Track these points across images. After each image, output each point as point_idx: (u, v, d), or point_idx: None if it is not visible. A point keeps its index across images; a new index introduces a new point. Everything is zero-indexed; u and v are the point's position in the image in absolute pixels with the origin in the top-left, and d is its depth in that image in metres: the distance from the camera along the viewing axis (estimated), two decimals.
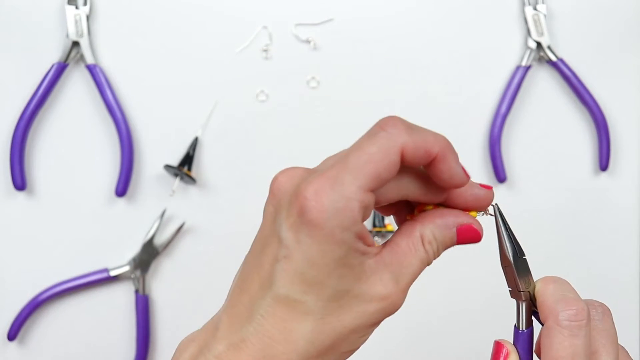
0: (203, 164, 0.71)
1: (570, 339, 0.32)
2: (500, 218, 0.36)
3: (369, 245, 0.32)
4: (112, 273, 0.69)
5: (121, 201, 0.70)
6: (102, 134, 0.71)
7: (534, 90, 0.74)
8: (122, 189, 0.69)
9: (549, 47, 0.72)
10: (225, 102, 0.71)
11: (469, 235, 0.35)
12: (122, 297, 0.71)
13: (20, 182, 0.68)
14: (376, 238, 0.71)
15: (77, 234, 0.70)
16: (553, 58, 0.72)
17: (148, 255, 0.70)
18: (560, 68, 0.72)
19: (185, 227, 0.71)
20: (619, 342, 0.35)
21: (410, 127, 0.32)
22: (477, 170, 0.74)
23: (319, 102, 0.72)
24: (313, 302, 0.30)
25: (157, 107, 0.71)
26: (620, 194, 0.75)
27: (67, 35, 0.69)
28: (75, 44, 0.69)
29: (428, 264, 0.33)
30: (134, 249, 0.71)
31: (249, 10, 0.72)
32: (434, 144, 0.32)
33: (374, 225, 0.71)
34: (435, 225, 0.34)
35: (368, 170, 0.30)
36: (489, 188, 0.36)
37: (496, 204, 0.36)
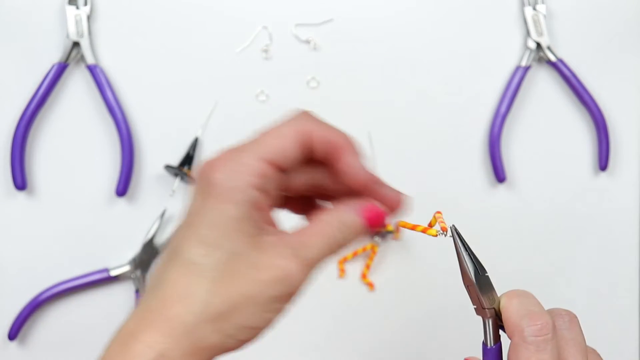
0: None
1: (536, 354, 0.32)
2: (459, 238, 0.36)
3: (269, 225, 0.34)
4: (113, 273, 0.70)
5: (121, 201, 0.71)
6: (102, 134, 0.71)
7: (533, 90, 0.74)
8: (123, 189, 0.69)
9: (548, 48, 0.72)
10: (225, 102, 0.71)
11: (374, 215, 0.36)
12: (122, 297, 0.71)
13: (20, 181, 0.68)
14: (376, 238, 0.71)
15: (77, 233, 0.71)
16: (553, 58, 0.72)
17: (148, 255, 0.70)
18: (559, 68, 0.73)
19: None
20: (587, 345, 0.35)
21: (317, 119, 0.36)
22: (477, 170, 0.74)
23: (319, 102, 0.72)
24: (208, 264, 0.32)
25: (158, 107, 0.71)
26: (620, 194, 0.75)
27: (68, 36, 0.69)
28: (76, 44, 0.69)
29: (335, 248, 0.34)
30: (134, 248, 0.71)
31: (249, 10, 0.72)
32: (336, 136, 0.35)
33: None
34: (338, 210, 0.35)
35: (269, 143, 0.34)
36: (399, 194, 0.37)
37: (453, 225, 0.36)
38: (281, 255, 0.33)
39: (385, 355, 0.73)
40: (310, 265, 0.33)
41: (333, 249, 0.34)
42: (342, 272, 0.72)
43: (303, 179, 0.37)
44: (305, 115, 0.35)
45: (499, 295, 0.35)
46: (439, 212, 0.37)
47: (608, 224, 0.75)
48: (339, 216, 0.35)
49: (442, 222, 0.37)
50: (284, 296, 0.33)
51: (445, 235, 0.36)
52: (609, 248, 0.75)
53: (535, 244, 0.75)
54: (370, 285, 0.73)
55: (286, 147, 0.34)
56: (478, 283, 0.35)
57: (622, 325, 0.75)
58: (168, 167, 0.70)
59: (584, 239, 0.75)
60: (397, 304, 0.73)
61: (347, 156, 0.35)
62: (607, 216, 0.75)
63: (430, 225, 0.37)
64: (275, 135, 0.34)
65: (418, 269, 0.73)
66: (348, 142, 0.35)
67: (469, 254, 0.35)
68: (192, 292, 0.31)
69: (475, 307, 0.35)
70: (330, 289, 0.72)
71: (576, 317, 0.36)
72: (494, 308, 0.35)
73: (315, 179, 0.37)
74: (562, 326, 0.34)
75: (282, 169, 0.34)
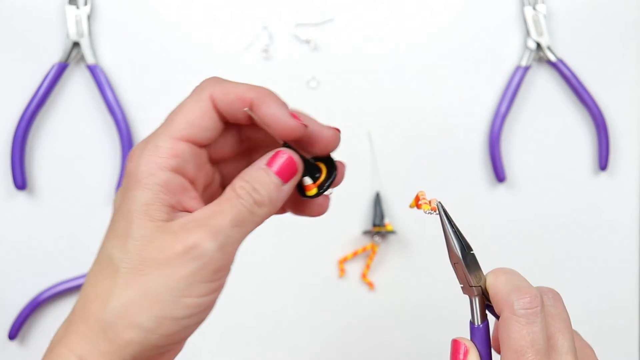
0: None
1: (527, 327, 0.32)
2: (445, 215, 0.35)
3: (185, 209, 0.32)
4: None
5: None
6: (102, 133, 0.71)
7: (533, 90, 0.74)
8: None
9: (548, 48, 0.72)
10: None
11: (282, 163, 0.33)
12: None
13: (21, 181, 0.68)
14: (376, 238, 0.71)
15: (77, 233, 0.71)
16: (552, 58, 0.72)
17: None
18: (559, 68, 0.73)
19: None
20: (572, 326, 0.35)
21: (222, 80, 0.34)
22: (477, 170, 0.74)
23: (319, 102, 0.72)
24: (118, 255, 0.30)
25: (157, 107, 0.71)
26: (620, 193, 0.75)
27: (68, 36, 0.69)
28: (76, 44, 0.69)
29: (251, 210, 0.32)
30: None
31: (249, 10, 0.72)
32: (246, 91, 0.33)
33: (374, 225, 0.71)
34: (244, 172, 0.33)
35: (178, 119, 0.32)
36: (336, 130, 0.35)
37: (439, 202, 0.36)
38: (186, 229, 0.30)
39: (385, 355, 0.73)
40: (221, 232, 0.30)
41: (246, 210, 0.31)
42: (342, 272, 0.72)
43: (231, 144, 0.35)
44: (209, 81, 0.34)
45: (484, 274, 0.35)
46: (421, 191, 0.37)
47: (608, 223, 0.75)
48: (244, 176, 0.32)
49: (424, 200, 0.36)
50: (198, 273, 0.30)
51: (431, 214, 0.36)
52: (608, 248, 0.75)
53: (535, 243, 0.75)
54: (370, 285, 0.73)
55: (196, 119, 0.32)
56: (465, 261, 0.35)
57: (622, 325, 0.75)
58: None
59: (584, 239, 0.75)
60: (397, 304, 0.73)
61: (264, 107, 0.33)
62: (607, 216, 0.75)
63: (415, 205, 0.36)
64: (182, 111, 0.33)
65: (418, 269, 0.73)
66: (261, 94, 0.33)
67: (455, 231, 0.35)
68: (106, 287, 0.30)
69: (462, 285, 0.35)
70: (330, 289, 0.73)
71: (559, 295, 0.36)
72: (480, 286, 0.35)
73: (249, 139, 0.35)
74: (548, 302, 0.35)
75: (200, 143, 0.33)
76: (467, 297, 0.36)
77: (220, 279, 0.31)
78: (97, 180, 0.71)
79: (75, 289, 0.70)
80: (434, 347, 0.73)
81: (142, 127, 0.71)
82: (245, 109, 0.33)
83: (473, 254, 0.35)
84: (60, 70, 0.69)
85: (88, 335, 0.30)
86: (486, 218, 0.74)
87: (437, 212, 0.36)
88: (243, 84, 0.34)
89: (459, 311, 0.73)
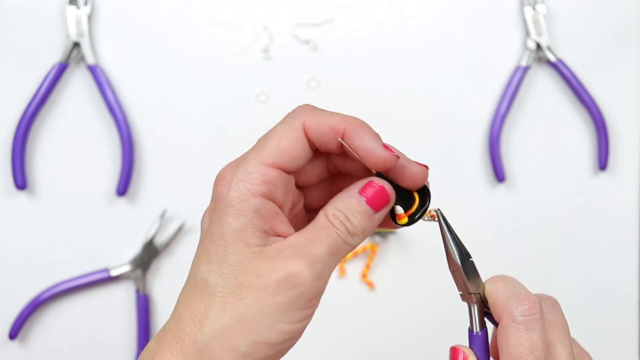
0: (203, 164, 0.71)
1: (527, 334, 0.32)
2: (444, 222, 0.35)
3: (276, 234, 0.32)
4: (113, 273, 0.70)
5: (122, 201, 0.71)
6: (102, 133, 0.71)
7: (533, 90, 0.74)
8: (123, 188, 0.69)
9: (548, 48, 0.72)
10: (225, 102, 0.72)
11: (375, 193, 0.33)
12: (122, 296, 0.71)
13: (21, 181, 0.68)
14: (376, 238, 0.71)
15: (77, 233, 0.71)
16: (552, 58, 0.72)
17: (148, 255, 0.70)
18: (559, 68, 0.73)
19: (185, 227, 0.71)
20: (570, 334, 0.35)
21: (316, 109, 0.34)
22: (477, 170, 0.74)
23: (319, 102, 0.72)
24: (214, 279, 0.31)
25: (158, 107, 0.71)
26: (619, 193, 0.75)
27: (68, 36, 0.69)
28: (76, 44, 0.69)
29: (344, 239, 0.32)
30: (134, 248, 0.71)
31: (249, 11, 0.72)
32: (339, 122, 0.33)
33: None
34: (336, 199, 0.33)
35: (270, 146, 0.32)
36: (425, 166, 0.36)
37: (438, 209, 0.35)
38: (284, 257, 0.31)
39: (385, 355, 0.73)
40: (318, 262, 0.31)
41: (341, 240, 0.32)
42: (342, 272, 0.72)
43: (319, 170, 0.35)
44: (303, 109, 0.34)
45: (483, 281, 0.35)
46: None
47: (608, 223, 0.75)
48: (337, 204, 0.33)
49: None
50: (295, 301, 0.30)
51: (430, 221, 0.35)
52: (608, 247, 0.76)
53: (534, 243, 0.75)
54: (370, 285, 0.73)
55: (287, 147, 0.32)
56: (464, 268, 0.34)
57: (622, 325, 0.75)
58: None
59: (584, 239, 0.75)
60: (397, 304, 0.73)
61: (357, 139, 0.33)
62: (606, 216, 0.75)
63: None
64: (274, 137, 0.33)
65: (418, 269, 0.73)
66: (353, 124, 0.33)
67: (454, 238, 0.35)
68: (202, 310, 0.30)
69: (460, 293, 0.35)
70: (330, 288, 0.72)
71: (558, 302, 0.36)
72: (479, 293, 0.35)
73: (336, 167, 0.35)
74: (546, 310, 0.34)
75: (289, 170, 0.33)
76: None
77: (314, 306, 0.32)
78: (97, 180, 0.71)
79: (75, 289, 0.70)
80: (434, 347, 0.73)
81: (142, 127, 0.71)
82: (339, 139, 0.33)
83: (472, 261, 0.35)
84: (61, 70, 0.69)
85: (183, 356, 0.30)
86: (486, 218, 0.74)
87: (437, 219, 0.35)
88: (336, 114, 0.34)
89: (458, 311, 0.73)
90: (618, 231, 0.76)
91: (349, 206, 0.33)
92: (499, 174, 0.72)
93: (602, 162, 0.73)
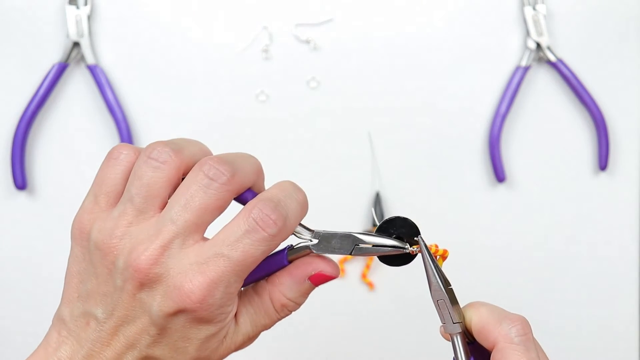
0: None
1: (527, 354, 0.31)
2: (427, 250, 0.34)
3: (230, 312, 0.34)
4: None
5: None
6: (102, 133, 0.71)
7: (533, 90, 0.74)
8: None
9: (548, 48, 0.72)
10: (225, 102, 0.72)
11: (324, 279, 0.37)
12: None
13: (21, 181, 0.68)
14: None
15: None
16: (552, 58, 0.72)
17: None
18: (559, 68, 0.73)
19: None
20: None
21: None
22: (477, 170, 0.74)
23: (319, 102, 0.72)
24: None
25: (157, 107, 0.71)
26: (620, 193, 0.75)
27: (68, 36, 0.69)
28: (76, 44, 0.69)
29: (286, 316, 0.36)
30: None
31: (249, 10, 0.72)
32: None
33: (374, 225, 0.71)
34: (285, 286, 0.36)
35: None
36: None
37: (421, 236, 0.35)
38: (238, 341, 0.36)
39: (385, 355, 0.73)
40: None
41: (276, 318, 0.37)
42: (342, 272, 0.72)
43: None
44: (270, 226, 0.36)
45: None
46: None
47: (608, 223, 0.75)
48: (284, 293, 0.36)
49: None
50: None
51: (414, 250, 0.35)
52: (608, 247, 0.75)
53: (534, 243, 0.75)
54: (370, 285, 0.73)
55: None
56: (449, 296, 0.33)
57: (622, 326, 0.75)
58: None
59: (584, 239, 0.75)
60: (397, 304, 0.73)
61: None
62: (607, 216, 0.75)
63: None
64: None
65: (418, 269, 0.73)
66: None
67: (434, 266, 0.34)
68: None
69: (443, 324, 0.34)
70: (330, 289, 0.72)
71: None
72: (461, 322, 0.34)
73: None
74: None
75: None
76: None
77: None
78: None
79: None
80: (434, 347, 0.73)
81: (142, 127, 0.71)
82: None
83: (451, 289, 0.34)
84: (60, 70, 0.69)
85: None
86: (486, 218, 0.74)
87: (419, 248, 0.34)
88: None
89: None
90: (618, 231, 0.76)
91: (297, 293, 0.36)
92: (499, 174, 0.72)
93: (602, 162, 0.73)
